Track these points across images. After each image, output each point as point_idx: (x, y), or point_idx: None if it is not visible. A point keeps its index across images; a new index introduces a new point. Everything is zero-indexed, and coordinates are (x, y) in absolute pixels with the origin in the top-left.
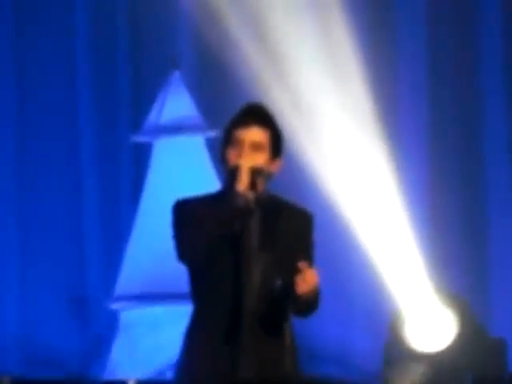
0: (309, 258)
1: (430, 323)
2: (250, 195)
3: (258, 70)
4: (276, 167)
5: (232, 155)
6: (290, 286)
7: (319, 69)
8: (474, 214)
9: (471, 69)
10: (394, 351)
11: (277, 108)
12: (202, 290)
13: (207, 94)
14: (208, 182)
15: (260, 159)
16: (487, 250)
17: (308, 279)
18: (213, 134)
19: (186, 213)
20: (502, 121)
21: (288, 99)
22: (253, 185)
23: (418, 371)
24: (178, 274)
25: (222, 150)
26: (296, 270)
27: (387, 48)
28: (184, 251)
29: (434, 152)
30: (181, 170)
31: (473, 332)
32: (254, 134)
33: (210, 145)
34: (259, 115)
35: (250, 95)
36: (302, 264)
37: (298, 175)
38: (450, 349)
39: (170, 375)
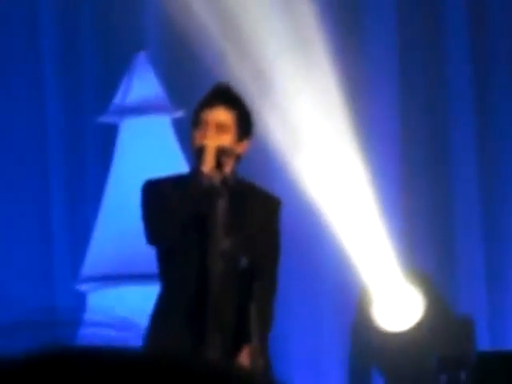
0: (274, 243)
1: (396, 302)
2: (216, 176)
3: (225, 49)
4: (243, 148)
5: (198, 136)
6: (254, 267)
7: (287, 47)
8: (442, 193)
9: (440, 57)
10: (362, 330)
11: (244, 89)
12: (168, 271)
13: (174, 74)
14: (175, 163)
15: (225, 140)
16: (454, 228)
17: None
18: (179, 114)
19: (155, 194)
20: (470, 112)
21: (256, 80)
22: (218, 165)
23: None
24: (145, 255)
25: (190, 133)
26: (259, 255)
27: (355, 27)
28: (153, 233)
29: (403, 129)
30: (147, 150)
31: (440, 311)
32: (219, 115)
33: (177, 125)
34: (225, 96)
35: (218, 75)
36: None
37: (265, 158)
38: (416, 327)
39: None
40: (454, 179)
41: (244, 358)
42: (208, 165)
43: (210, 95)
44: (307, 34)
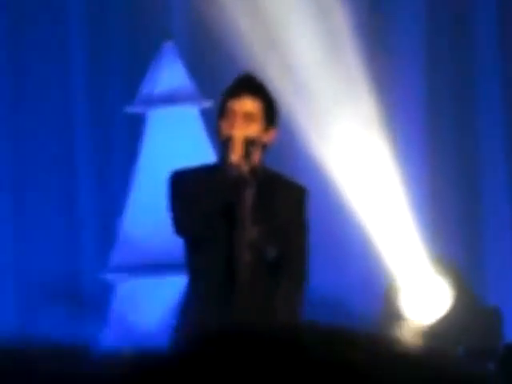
0: (302, 233)
1: (424, 293)
2: (244, 166)
3: (253, 39)
4: (270, 137)
5: (225, 126)
6: (281, 257)
7: (315, 39)
8: (470, 184)
9: (468, 60)
10: (390, 320)
11: (271, 79)
12: (196, 262)
13: (201, 64)
14: (202, 153)
15: (253, 129)
16: (483, 221)
17: None
18: (207, 104)
19: (182, 185)
20: (498, 111)
21: (283, 70)
22: (246, 155)
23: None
24: (173, 245)
25: (216, 123)
26: (288, 244)
27: (385, 29)
28: (180, 224)
29: (432, 127)
30: (175, 140)
31: (468, 302)
32: (246, 105)
33: (205, 115)
34: (251, 85)
35: (245, 65)
36: None
37: (293, 149)
38: (444, 319)
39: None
40: (482, 168)
41: None
42: (236, 155)
43: (236, 85)
44: (335, 27)
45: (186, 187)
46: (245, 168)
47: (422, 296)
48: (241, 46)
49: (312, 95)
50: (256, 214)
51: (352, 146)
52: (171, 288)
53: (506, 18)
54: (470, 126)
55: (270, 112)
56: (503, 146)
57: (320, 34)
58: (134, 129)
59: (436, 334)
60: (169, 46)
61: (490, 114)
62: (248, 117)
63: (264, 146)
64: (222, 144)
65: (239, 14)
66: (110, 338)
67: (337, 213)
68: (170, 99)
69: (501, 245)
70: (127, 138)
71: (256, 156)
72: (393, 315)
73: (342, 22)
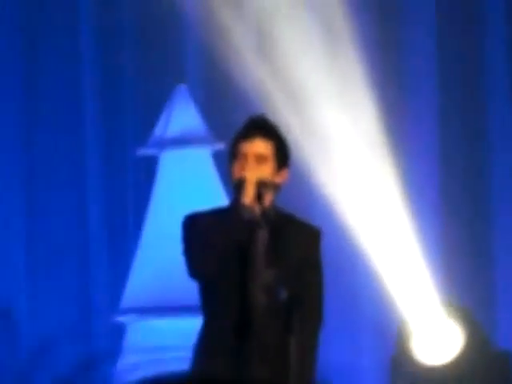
0: (316, 274)
1: (436, 336)
2: (257, 208)
3: (264, 81)
4: (282, 178)
5: (237, 169)
6: (294, 299)
7: (324, 76)
8: (481, 225)
9: (478, 69)
10: (401, 363)
11: (282, 119)
12: (210, 304)
13: (214, 107)
14: (215, 195)
15: (265, 171)
16: (494, 263)
17: None
18: (220, 146)
19: (196, 228)
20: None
21: (294, 109)
22: (259, 197)
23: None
24: (185, 287)
25: (228, 165)
26: (301, 286)
27: (392, 48)
28: (194, 267)
29: (442, 162)
30: (187, 182)
31: (479, 345)
32: (257, 146)
33: (217, 157)
34: (262, 127)
35: (257, 107)
36: None
37: (304, 186)
38: (456, 361)
39: None
40: (494, 206)
41: None
42: (248, 197)
43: (247, 127)
44: (346, 62)
45: (200, 230)
46: (257, 210)
47: (433, 339)
48: (253, 89)
49: (322, 130)
50: (269, 256)
51: (363, 186)
52: (182, 330)
53: None
54: (483, 160)
55: (282, 152)
56: None
57: (333, 71)
58: (147, 171)
59: (448, 377)
60: (182, 89)
61: (502, 146)
62: (260, 159)
63: (276, 187)
64: (235, 187)
65: (251, 55)
66: (121, 379)
67: (347, 255)
68: (183, 141)
69: None
70: (140, 179)
71: (268, 197)
72: (405, 359)
73: (354, 58)
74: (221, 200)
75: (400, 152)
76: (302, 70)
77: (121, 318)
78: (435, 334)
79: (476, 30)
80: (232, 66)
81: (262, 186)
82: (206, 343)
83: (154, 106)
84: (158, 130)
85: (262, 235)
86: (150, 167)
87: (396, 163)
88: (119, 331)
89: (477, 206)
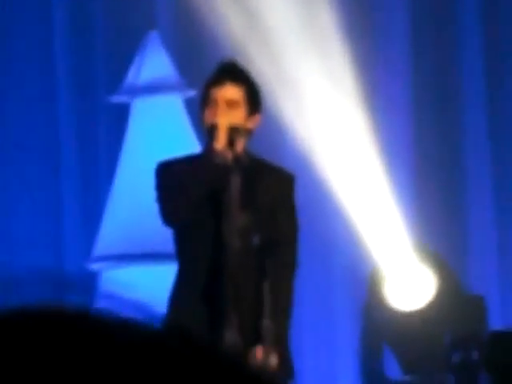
0: (290, 218)
1: (408, 281)
2: (229, 153)
3: (236, 28)
4: (254, 123)
5: (208, 115)
6: (268, 243)
7: (299, 25)
8: (454, 171)
9: (451, 44)
10: (373, 309)
11: (255, 65)
12: (185, 250)
13: (185, 53)
14: (187, 142)
15: (236, 116)
16: (466, 209)
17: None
18: (191, 93)
19: (169, 175)
20: (482, 107)
21: (267, 56)
22: (231, 142)
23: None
24: (158, 234)
25: (200, 112)
26: (276, 230)
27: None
28: (168, 214)
29: (415, 110)
30: (159, 129)
31: (451, 290)
32: (228, 92)
33: (189, 104)
34: (233, 72)
35: (229, 54)
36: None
37: (276, 134)
38: (428, 306)
39: None
40: (466, 154)
41: (254, 359)
42: (220, 143)
43: (218, 72)
44: (321, 19)
45: (173, 177)
46: (229, 156)
47: (406, 284)
48: (227, 37)
49: (297, 79)
50: (243, 201)
51: (336, 134)
52: (157, 278)
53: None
54: (455, 118)
55: (254, 98)
56: (487, 138)
57: (308, 20)
58: (119, 118)
59: (420, 321)
60: (152, 36)
61: (474, 108)
62: (231, 104)
63: (248, 133)
64: (207, 132)
65: (226, 3)
66: None
67: (319, 201)
68: (154, 88)
69: (484, 231)
70: (112, 127)
71: (240, 143)
72: (377, 304)
73: (330, 7)
74: (193, 147)
75: (373, 101)
76: (277, 18)
77: (94, 266)
78: (408, 279)
79: None
80: (204, 13)
81: (233, 131)
82: (181, 290)
83: (125, 54)
84: (130, 78)
85: (235, 180)
86: (121, 115)
87: (369, 111)
88: (92, 279)
89: (450, 152)
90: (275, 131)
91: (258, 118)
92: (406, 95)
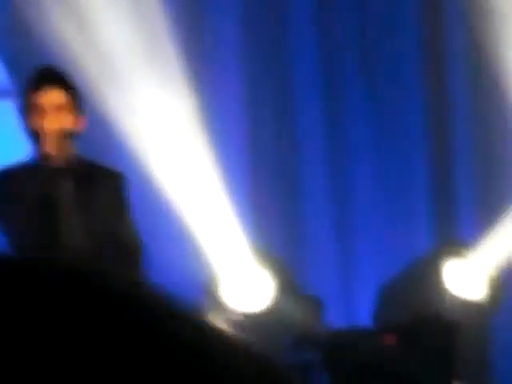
0: (126, 216)
1: (247, 284)
2: (60, 157)
3: (65, 31)
4: (81, 125)
5: (35, 120)
6: (109, 241)
7: (128, 26)
8: (291, 179)
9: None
10: (211, 313)
11: (84, 66)
12: (17, 251)
13: (20, 59)
14: (20, 149)
15: (66, 120)
16: (305, 212)
17: None
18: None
19: (3, 186)
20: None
21: (96, 58)
22: (59, 146)
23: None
24: None
25: (24, 117)
26: (114, 227)
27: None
28: (5, 225)
29: (250, 107)
30: None
31: (290, 292)
32: (54, 96)
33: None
34: (54, 77)
35: (57, 55)
36: None
37: (104, 135)
38: (268, 309)
39: None
40: (302, 157)
41: None
42: (50, 147)
43: (40, 78)
44: (152, 22)
45: (7, 187)
46: (61, 160)
47: (244, 287)
48: (61, 46)
49: (125, 78)
50: (78, 204)
51: (169, 137)
52: None
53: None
54: (291, 119)
55: (78, 100)
56: (323, 144)
57: (135, 20)
58: None
59: (261, 324)
60: None
61: (310, 112)
62: (58, 108)
63: (77, 135)
64: (33, 138)
65: (57, 10)
66: None
67: (152, 204)
68: None
69: (322, 235)
70: None
71: (70, 147)
72: (214, 307)
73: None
74: (26, 153)
75: (207, 101)
76: (107, 19)
77: None
78: (246, 282)
79: None
80: (34, 17)
81: (65, 135)
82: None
83: None
84: None
85: (68, 184)
86: None
87: (205, 118)
88: None
89: (287, 152)
90: (103, 132)
91: (83, 120)
92: (240, 94)
